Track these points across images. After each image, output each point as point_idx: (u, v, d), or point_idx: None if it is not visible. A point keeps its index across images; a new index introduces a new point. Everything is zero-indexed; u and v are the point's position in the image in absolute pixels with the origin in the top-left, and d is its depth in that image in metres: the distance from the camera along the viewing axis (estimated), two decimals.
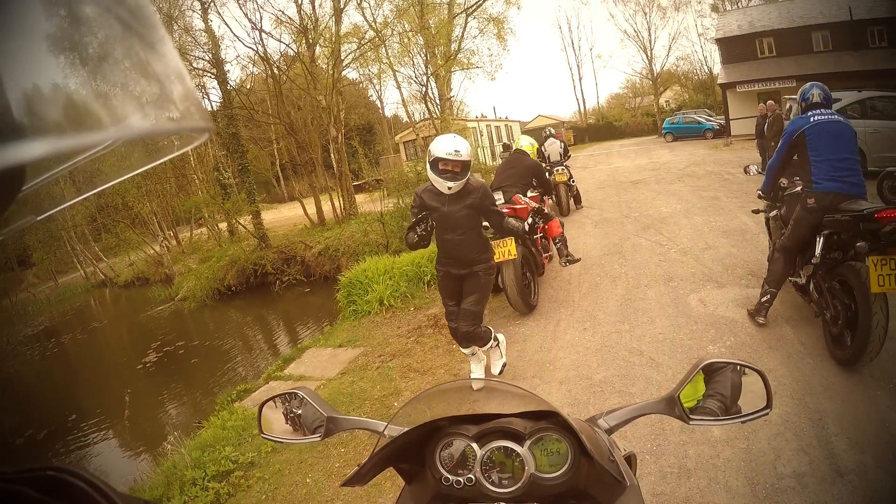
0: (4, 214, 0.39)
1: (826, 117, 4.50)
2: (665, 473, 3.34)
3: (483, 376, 5.13)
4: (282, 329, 15.02)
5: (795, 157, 4.75)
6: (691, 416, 1.35)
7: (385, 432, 1.38)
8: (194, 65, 19.67)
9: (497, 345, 5.00)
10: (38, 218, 0.47)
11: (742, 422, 1.35)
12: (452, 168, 4.27)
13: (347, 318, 8.41)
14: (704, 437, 3.56)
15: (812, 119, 4.52)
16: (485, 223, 4.80)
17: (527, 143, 8.03)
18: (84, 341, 20.64)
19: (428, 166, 4.38)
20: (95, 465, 9.10)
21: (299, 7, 19.37)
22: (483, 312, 4.81)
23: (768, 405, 1.33)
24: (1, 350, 16.56)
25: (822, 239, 4.41)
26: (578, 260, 7.17)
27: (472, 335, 4.67)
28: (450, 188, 4.29)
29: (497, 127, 37.90)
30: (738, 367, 1.39)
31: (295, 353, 7.71)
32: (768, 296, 5.01)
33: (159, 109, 0.37)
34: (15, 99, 0.30)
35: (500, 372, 5.00)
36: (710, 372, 1.39)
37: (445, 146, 4.25)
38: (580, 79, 62.85)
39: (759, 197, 5.56)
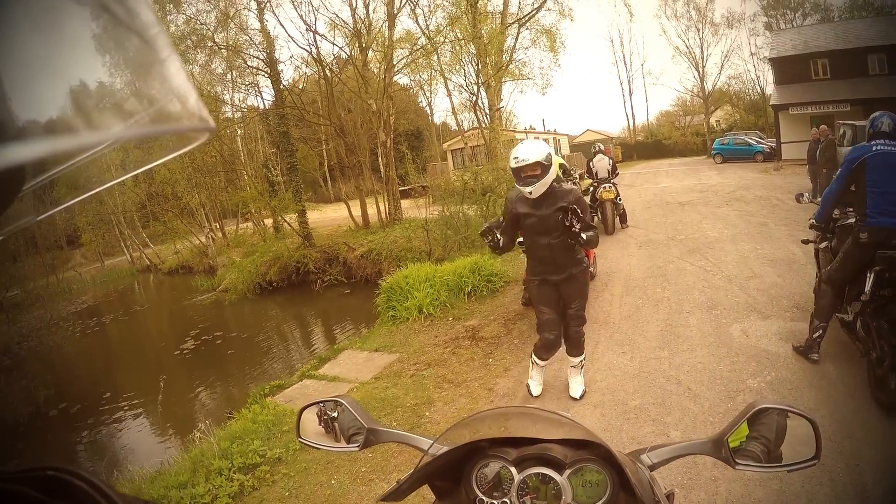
0: (4, 214, 0.40)
1: (890, 148, 4.35)
2: None
3: (541, 389, 5.20)
4: (319, 328, 15.13)
5: (853, 187, 4.62)
6: (737, 461, 1.33)
7: (429, 451, 1.38)
8: (248, 63, 19.99)
9: (582, 368, 5.06)
10: (38, 218, 0.48)
11: (788, 470, 1.33)
12: (531, 172, 4.34)
13: (385, 322, 8.49)
14: (737, 475, 3.48)
15: (874, 148, 4.38)
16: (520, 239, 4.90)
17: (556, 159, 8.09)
18: (125, 323, 21.13)
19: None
20: (124, 444, 9.35)
21: (353, 11, 19.58)
22: (585, 316, 4.91)
23: (816, 455, 1.30)
24: (44, 323, 16.91)
25: (872, 275, 4.26)
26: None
27: (580, 335, 4.83)
28: (530, 192, 4.36)
29: (545, 140, 37.72)
30: (789, 412, 1.36)
31: (331, 353, 7.81)
32: (820, 331, 4.84)
33: (158, 110, 0.37)
34: (15, 99, 0.30)
35: (582, 396, 5.01)
36: (757, 413, 1.36)
37: (513, 155, 4.43)
38: (630, 94, 62.33)
39: (812, 227, 5.34)
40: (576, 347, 4.87)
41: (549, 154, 4.42)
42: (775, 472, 1.41)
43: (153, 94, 0.37)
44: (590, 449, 1.29)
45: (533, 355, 5.11)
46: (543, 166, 4.34)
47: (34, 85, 0.32)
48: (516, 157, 4.37)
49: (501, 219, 4.75)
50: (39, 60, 0.32)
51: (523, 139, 4.98)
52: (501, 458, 1.32)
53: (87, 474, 0.56)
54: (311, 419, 1.64)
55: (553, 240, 4.49)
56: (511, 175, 4.56)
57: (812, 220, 5.27)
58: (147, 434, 9.61)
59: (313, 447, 1.65)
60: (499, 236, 4.58)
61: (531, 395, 5.16)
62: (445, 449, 1.33)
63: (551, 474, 1.26)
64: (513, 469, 1.30)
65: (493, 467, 1.34)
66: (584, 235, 4.27)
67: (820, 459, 1.30)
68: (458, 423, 1.40)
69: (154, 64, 0.38)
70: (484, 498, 1.31)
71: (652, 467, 1.43)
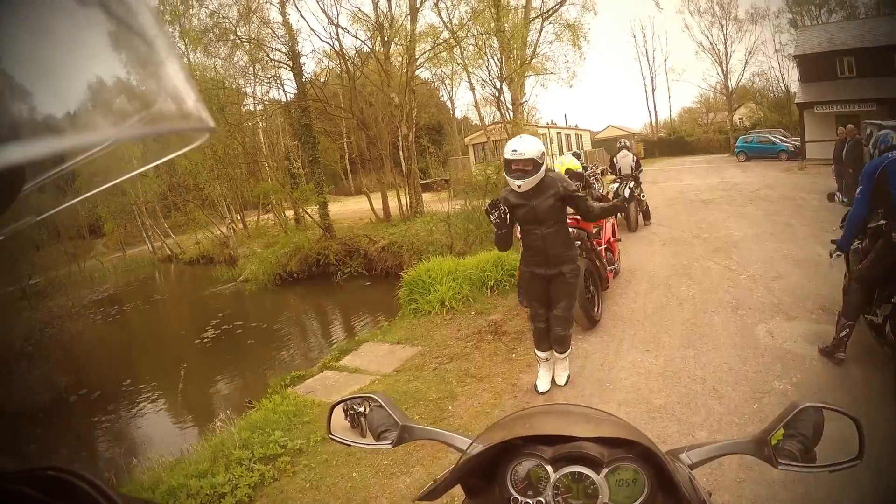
0: (4, 214, 0.40)
1: None
2: None
3: (549, 386, 5.23)
4: (339, 320, 15.18)
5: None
6: (779, 461, 1.30)
7: (468, 450, 1.34)
8: (271, 56, 20.07)
9: (568, 356, 5.21)
10: (38, 218, 0.47)
11: (830, 471, 1.30)
12: (523, 167, 4.46)
13: (407, 315, 8.49)
14: (762, 476, 3.49)
15: (891, 155, 4.41)
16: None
17: (568, 161, 8.09)
18: (145, 311, 21.25)
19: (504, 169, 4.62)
20: (144, 431, 9.43)
21: (376, 4, 19.62)
22: (573, 316, 5.09)
23: (860, 455, 1.28)
24: (66, 311, 17.07)
25: None
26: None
27: (565, 338, 4.98)
28: (519, 186, 4.49)
29: (567, 135, 37.52)
30: (828, 410, 1.34)
31: (352, 345, 7.82)
32: (847, 329, 4.80)
33: (158, 110, 0.37)
34: (15, 99, 0.30)
35: (566, 382, 5.21)
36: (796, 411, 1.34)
37: (509, 146, 4.55)
38: (653, 90, 61.64)
39: (835, 252, 5.12)
40: (560, 346, 5.04)
41: (543, 153, 4.55)
42: (816, 473, 1.39)
43: (153, 95, 0.38)
44: (626, 447, 1.25)
45: (535, 349, 5.25)
46: (536, 163, 4.47)
47: (34, 85, 0.32)
48: (514, 150, 4.48)
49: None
50: (39, 61, 0.32)
51: (543, 133, 5.06)
52: (537, 456, 1.28)
53: (88, 474, 0.56)
54: (343, 417, 1.63)
55: (546, 229, 4.64)
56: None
57: (837, 245, 5.07)
58: (166, 422, 9.70)
59: (344, 444, 1.62)
60: (504, 211, 4.57)
61: (537, 391, 5.20)
62: (481, 448, 1.30)
63: (588, 473, 1.23)
64: (549, 468, 1.26)
65: (528, 465, 1.30)
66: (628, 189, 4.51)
67: (863, 460, 1.27)
68: (497, 422, 1.39)
69: (154, 64, 0.38)
70: (519, 497, 1.28)
71: (692, 466, 1.41)
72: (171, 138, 0.41)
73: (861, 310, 4.79)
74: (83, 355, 15.30)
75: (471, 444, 1.38)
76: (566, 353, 5.14)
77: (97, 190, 0.48)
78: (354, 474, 4.30)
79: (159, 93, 0.38)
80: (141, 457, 6.69)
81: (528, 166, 4.45)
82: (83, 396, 11.34)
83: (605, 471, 1.23)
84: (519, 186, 4.48)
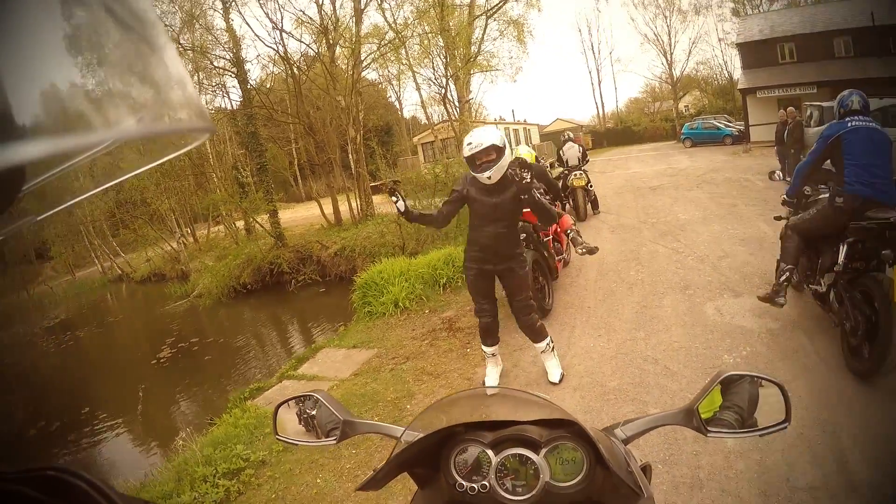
0: (4, 214, 0.40)
1: (864, 123, 4.44)
2: (677, 483, 3.33)
3: (497, 382, 5.15)
4: (296, 328, 15.06)
5: (827, 164, 4.69)
6: (709, 429, 1.34)
7: (402, 438, 1.38)
8: (215, 63, 19.79)
9: (553, 350, 5.00)
10: (38, 218, 0.47)
11: (760, 435, 1.34)
12: (485, 157, 4.26)
13: (362, 319, 8.45)
14: (718, 447, 3.54)
15: (850, 124, 4.45)
16: None
17: (526, 151, 8.13)
18: (99, 335, 20.83)
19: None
20: (107, 458, 9.21)
21: (320, 7, 19.47)
22: (532, 303, 4.84)
23: (787, 419, 1.31)
24: (17, 341, 16.66)
25: (845, 247, 4.32)
26: (596, 249, 6.69)
27: (532, 323, 4.76)
28: (489, 178, 4.27)
29: (515, 130, 37.91)
30: (757, 379, 1.37)
31: (309, 352, 7.74)
32: (786, 273, 4.90)
33: (158, 110, 0.37)
34: (15, 99, 0.30)
35: (560, 380, 4.97)
36: (728, 384, 1.38)
37: (466, 142, 4.34)
38: (599, 83, 62.61)
39: (784, 203, 5.46)
40: (534, 334, 4.85)
41: (502, 137, 4.38)
42: (747, 438, 1.42)
43: (154, 95, 0.37)
44: (565, 427, 1.29)
45: (481, 345, 5.14)
46: (498, 149, 4.27)
47: (34, 85, 0.32)
48: (469, 144, 4.27)
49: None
50: (40, 60, 0.32)
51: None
52: (478, 441, 1.33)
53: (87, 474, 0.56)
54: (289, 417, 1.64)
55: (500, 229, 4.48)
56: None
57: (784, 196, 5.37)
58: (129, 446, 9.50)
59: (291, 444, 1.64)
60: (401, 199, 4.36)
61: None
62: (420, 435, 1.32)
63: (528, 454, 1.26)
64: (490, 452, 1.30)
65: (471, 452, 1.34)
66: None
67: (790, 422, 1.31)
68: (430, 407, 1.42)
69: (155, 64, 0.38)
70: (463, 482, 1.32)
71: (626, 441, 1.44)
72: (170, 138, 0.42)
73: (798, 254, 4.92)
74: (39, 386, 14.97)
75: (403, 431, 1.41)
76: (545, 342, 4.89)
77: (96, 190, 0.49)
78: (319, 481, 4.26)
79: (160, 93, 0.38)
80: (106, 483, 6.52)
81: (490, 155, 4.24)
82: (42, 429, 11.05)
83: (544, 451, 1.27)
84: (489, 178, 4.27)
